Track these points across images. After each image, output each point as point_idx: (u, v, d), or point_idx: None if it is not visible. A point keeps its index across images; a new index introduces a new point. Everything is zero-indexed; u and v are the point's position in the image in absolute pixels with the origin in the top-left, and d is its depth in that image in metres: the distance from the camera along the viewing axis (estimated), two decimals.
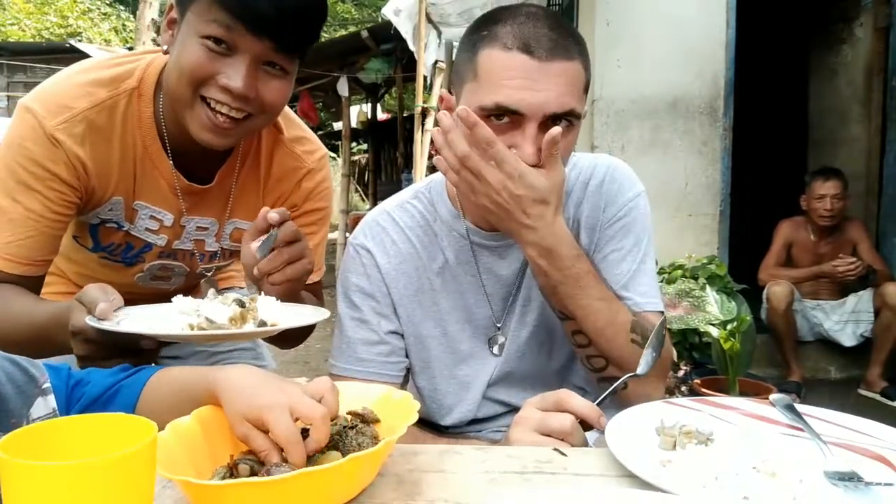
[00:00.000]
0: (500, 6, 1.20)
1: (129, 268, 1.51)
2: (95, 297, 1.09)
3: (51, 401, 0.92)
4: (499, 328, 1.35)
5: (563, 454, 0.96)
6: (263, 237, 1.21)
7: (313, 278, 1.56)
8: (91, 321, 1.05)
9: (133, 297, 1.29)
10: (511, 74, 1.11)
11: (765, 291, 4.27)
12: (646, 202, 1.35)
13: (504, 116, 1.13)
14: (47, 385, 0.92)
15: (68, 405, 0.94)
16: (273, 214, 1.19)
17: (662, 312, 1.30)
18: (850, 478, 0.84)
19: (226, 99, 1.22)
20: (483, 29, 1.16)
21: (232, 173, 1.46)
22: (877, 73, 5.07)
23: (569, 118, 1.14)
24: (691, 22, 4.33)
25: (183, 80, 1.22)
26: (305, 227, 1.53)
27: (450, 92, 1.26)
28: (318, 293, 1.61)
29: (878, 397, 4.11)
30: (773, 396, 1.09)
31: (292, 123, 1.53)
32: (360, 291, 1.35)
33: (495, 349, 1.35)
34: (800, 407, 1.05)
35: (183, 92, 1.23)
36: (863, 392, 4.21)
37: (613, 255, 1.30)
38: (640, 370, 1.10)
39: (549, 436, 1.00)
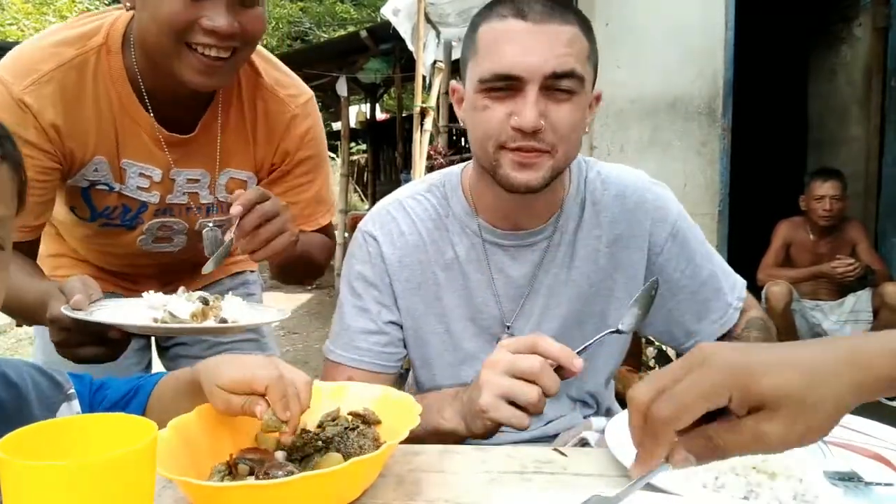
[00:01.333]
0: None
1: (130, 231, 1.52)
2: (74, 289, 1.13)
3: (75, 406, 0.99)
4: (508, 328, 1.33)
5: (563, 454, 0.96)
6: (217, 243, 1.31)
7: (323, 220, 1.63)
8: (66, 310, 1.09)
9: (142, 269, 1.43)
10: (506, 40, 1.12)
11: (763, 291, 4.27)
12: (681, 207, 1.38)
13: (504, 85, 1.12)
14: (72, 391, 1.00)
15: (91, 408, 1.01)
16: (235, 208, 1.21)
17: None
18: (849, 478, 0.84)
19: (213, 41, 1.23)
20: (481, 11, 1.18)
21: (215, 121, 1.45)
22: (876, 73, 5.07)
23: (570, 79, 1.12)
24: (691, 22, 4.33)
25: (164, 32, 1.23)
26: (301, 176, 1.56)
27: (458, 80, 1.27)
28: (329, 233, 1.67)
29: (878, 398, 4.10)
30: None
31: (271, 64, 1.52)
32: (363, 279, 1.34)
33: None
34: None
35: (166, 43, 1.24)
36: None
37: (690, 268, 1.34)
38: (622, 326, 1.09)
39: (520, 378, 0.97)
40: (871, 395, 0.62)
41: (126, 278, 1.66)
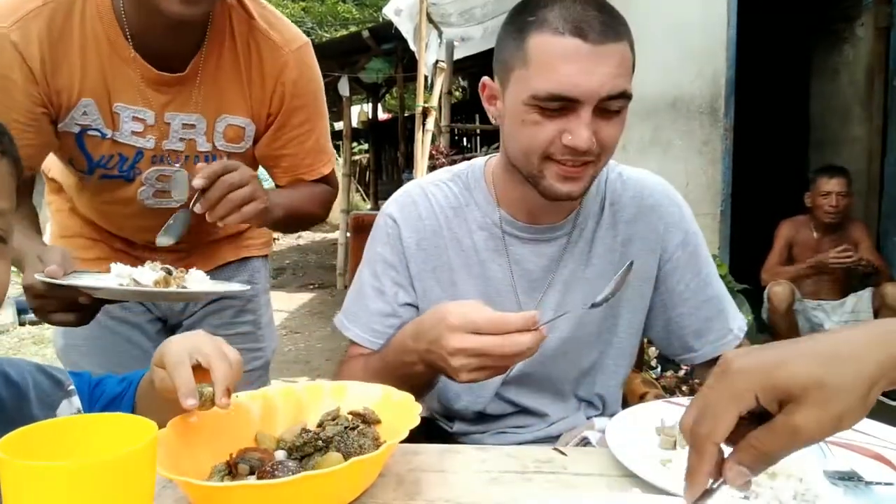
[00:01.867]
0: None
1: (130, 184, 1.51)
2: (51, 259, 1.18)
3: (75, 401, 1.03)
4: None
5: (563, 454, 0.96)
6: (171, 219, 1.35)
7: (325, 169, 1.64)
8: (39, 276, 1.16)
9: (157, 226, 1.38)
10: (563, 60, 1.10)
11: (766, 291, 4.26)
12: (695, 222, 1.40)
13: (558, 105, 1.12)
14: (72, 388, 1.04)
15: (91, 404, 1.05)
16: (197, 181, 1.24)
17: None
18: (849, 477, 0.84)
19: None
20: (529, 14, 1.15)
21: (207, 63, 1.44)
22: (878, 72, 5.06)
23: (622, 99, 1.14)
24: (692, 21, 4.32)
25: None
26: (298, 126, 1.56)
27: (492, 79, 1.26)
28: (331, 181, 1.68)
29: (879, 397, 4.10)
30: None
31: (265, 9, 1.51)
32: (383, 261, 1.36)
33: None
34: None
35: None
36: None
37: (695, 282, 1.35)
38: (596, 300, 1.08)
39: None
40: None
41: (138, 249, 1.66)
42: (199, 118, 1.47)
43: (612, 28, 1.11)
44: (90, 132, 1.41)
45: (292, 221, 1.57)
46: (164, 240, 1.35)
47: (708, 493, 0.65)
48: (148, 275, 1.21)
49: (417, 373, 1.13)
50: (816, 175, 4.39)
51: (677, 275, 1.35)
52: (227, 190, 1.26)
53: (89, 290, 1.20)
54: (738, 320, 1.39)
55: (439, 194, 1.37)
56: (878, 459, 0.91)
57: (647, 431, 1.00)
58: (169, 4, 1.23)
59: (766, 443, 0.62)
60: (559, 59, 1.11)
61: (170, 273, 1.24)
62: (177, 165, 1.51)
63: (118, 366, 1.63)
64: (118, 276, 1.22)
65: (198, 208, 1.27)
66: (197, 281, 1.28)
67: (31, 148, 1.37)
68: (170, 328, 1.76)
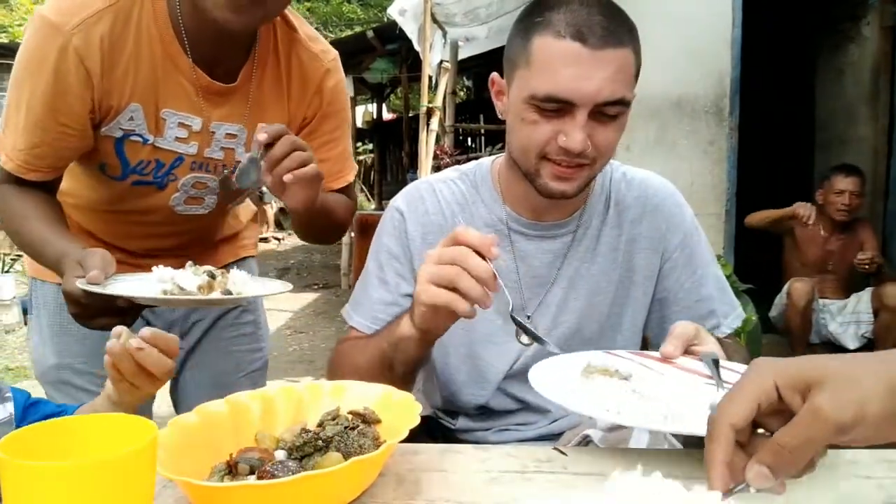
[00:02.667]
0: None
1: (162, 191, 1.51)
2: (93, 264, 1.17)
3: (9, 407, 1.10)
4: (528, 318, 1.35)
5: (563, 454, 0.96)
6: (243, 165, 1.32)
7: (350, 177, 1.67)
8: (81, 283, 1.15)
9: (158, 245, 1.44)
10: (563, 63, 1.13)
11: (785, 287, 4.25)
12: (696, 222, 1.41)
13: (555, 106, 1.15)
14: (9, 395, 1.12)
15: (23, 419, 1.12)
16: (260, 135, 1.24)
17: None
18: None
19: None
20: (537, 15, 1.18)
21: (256, 74, 1.46)
22: (884, 72, 5.06)
23: (618, 105, 1.16)
24: (697, 21, 4.32)
25: None
26: (330, 132, 1.59)
27: (500, 75, 1.28)
28: (351, 194, 1.70)
29: None
30: (702, 352, 1.10)
31: (303, 23, 1.54)
32: (388, 252, 1.39)
33: (524, 338, 1.34)
34: (723, 363, 1.07)
35: None
36: None
37: (689, 282, 1.36)
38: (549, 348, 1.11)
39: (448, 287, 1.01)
40: None
41: (138, 257, 1.64)
42: (241, 128, 1.48)
43: (615, 34, 1.13)
44: (132, 137, 1.40)
45: (324, 217, 1.55)
46: (246, 181, 1.33)
47: (728, 493, 0.66)
48: (191, 279, 1.20)
49: (403, 335, 1.14)
50: (831, 173, 4.38)
51: (675, 275, 1.37)
52: (291, 147, 1.25)
53: (133, 299, 1.18)
54: (728, 319, 1.38)
55: (447, 191, 1.40)
56: None
57: (573, 370, 1.08)
58: (221, 12, 1.23)
59: (788, 434, 0.64)
60: (558, 61, 1.13)
61: (213, 277, 1.23)
62: (218, 174, 1.53)
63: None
64: (160, 281, 1.21)
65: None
66: (241, 282, 1.27)
67: (69, 151, 1.38)
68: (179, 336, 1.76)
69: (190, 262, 1.27)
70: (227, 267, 1.74)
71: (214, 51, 1.38)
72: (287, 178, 1.25)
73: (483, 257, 1.00)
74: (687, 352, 1.11)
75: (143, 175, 1.46)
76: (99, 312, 1.19)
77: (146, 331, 1.05)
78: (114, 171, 1.45)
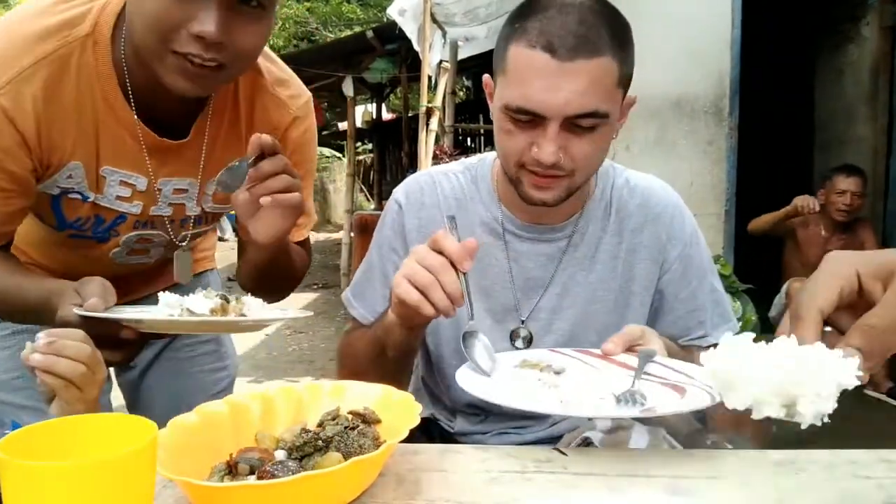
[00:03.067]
0: None
1: (100, 244, 1.38)
2: (91, 292, 1.08)
3: None
4: (523, 322, 1.35)
5: (563, 454, 0.96)
6: (235, 163, 1.18)
7: (307, 232, 1.53)
8: (77, 311, 1.06)
9: (114, 279, 1.22)
10: (532, 75, 1.11)
11: (784, 287, 4.25)
12: (698, 231, 1.40)
13: (526, 118, 1.14)
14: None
15: None
16: (255, 143, 1.13)
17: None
18: (627, 398, 0.97)
19: (198, 49, 1.07)
20: (516, 21, 1.16)
21: (211, 128, 1.32)
22: (883, 72, 5.06)
23: (591, 118, 1.13)
24: (696, 21, 4.32)
25: (149, 32, 1.08)
26: None
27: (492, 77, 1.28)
28: (308, 248, 1.56)
29: (883, 397, 4.10)
30: (640, 349, 1.13)
31: (274, 63, 1.40)
32: (389, 246, 1.40)
33: (518, 342, 1.34)
34: (660, 358, 1.12)
35: (150, 45, 1.09)
36: (869, 392, 4.19)
37: (684, 293, 1.36)
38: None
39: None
40: None
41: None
42: (191, 182, 1.36)
43: (589, 44, 1.10)
44: (71, 195, 1.28)
45: (283, 270, 1.41)
46: (227, 185, 1.19)
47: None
48: (202, 302, 1.12)
49: (390, 321, 1.16)
50: (832, 173, 4.37)
51: (672, 286, 1.36)
52: (282, 168, 1.15)
53: (134, 324, 1.10)
54: (717, 331, 1.36)
55: (447, 184, 1.40)
56: (674, 389, 1.02)
57: (508, 366, 1.14)
58: (178, 84, 1.12)
59: (876, 315, 0.67)
60: (528, 72, 1.12)
61: (226, 300, 1.14)
62: (165, 230, 1.41)
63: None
64: (167, 306, 1.12)
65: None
66: (256, 307, 1.17)
67: (16, 213, 1.25)
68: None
69: (200, 288, 1.18)
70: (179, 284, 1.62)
71: (165, 107, 1.24)
72: (265, 200, 1.14)
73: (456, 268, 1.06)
74: (631, 350, 1.15)
75: (80, 230, 1.35)
76: (98, 344, 1.06)
77: (43, 335, 0.98)
78: (49, 221, 1.34)
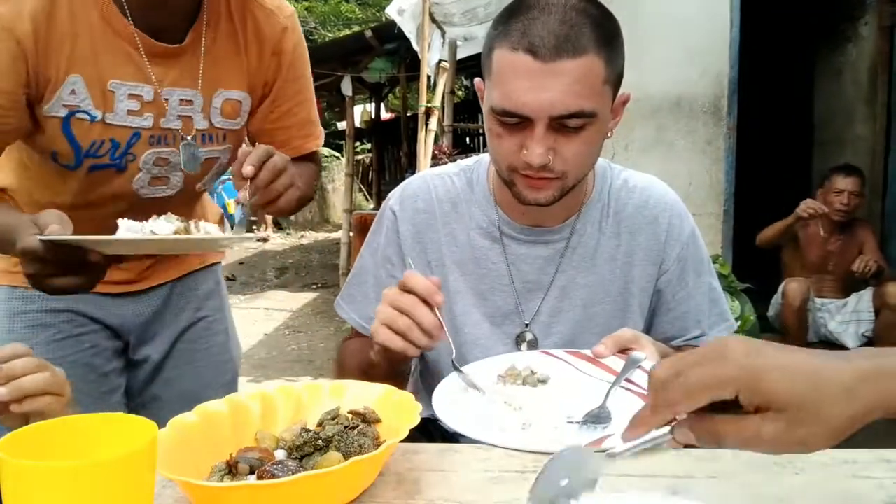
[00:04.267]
0: None
1: (122, 173, 1.41)
2: (49, 220, 1.08)
3: None
4: (527, 325, 1.34)
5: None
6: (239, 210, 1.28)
7: (319, 141, 1.62)
8: (41, 237, 1.06)
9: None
10: (516, 76, 1.11)
11: (781, 287, 4.25)
12: (696, 231, 1.39)
13: (513, 120, 1.14)
14: None
15: None
16: (247, 169, 1.19)
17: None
18: (591, 419, 0.99)
19: None
20: (501, 23, 1.16)
21: (207, 34, 1.38)
22: (882, 71, 5.06)
23: (577, 118, 1.12)
24: (695, 21, 4.32)
25: None
26: (294, 96, 1.53)
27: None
28: (317, 160, 1.65)
29: None
30: (631, 354, 1.13)
31: None
32: (383, 255, 1.39)
33: (524, 346, 1.33)
34: (646, 363, 1.10)
35: None
36: None
37: (681, 294, 1.35)
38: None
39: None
40: None
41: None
42: (195, 94, 1.40)
43: (572, 43, 1.09)
44: (78, 115, 1.31)
45: (296, 205, 1.50)
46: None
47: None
48: (165, 226, 1.14)
49: (377, 358, 1.18)
50: (831, 173, 4.37)
51: (670, 287, 1.35)
52: (275, 174, 1.22)
53: (100, 245, 1.10)
54: (714, 331, 1.37)
55: (441, 187, 1.38)
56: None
57: (491, 376, 1.16)
58: None
59: (727, 431, 0.64)
60: (511, 75, 1.12)
61: (187, 225, 1.18)
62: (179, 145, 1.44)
63: (81, 389, 1.47)
64: (129, 230, 1.14)
65: (243, 194, 1.23)
66: (214, 232, 1.22)
67: (7, 134, 1.29)
68: (132, 347, 1.63)
69: (169, 213, 1.21)
70: (192, 274, 1.67)
71: (157, 13, 1.30)
72: (270, 209, 1.27)
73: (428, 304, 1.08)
74: (623, 352, 1.15)
75: (98, 158, 1.37)
76: (60, 270, 1.09)
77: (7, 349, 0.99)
78: (66, 158, 1.36)
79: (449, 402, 1.07)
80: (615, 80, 1.17)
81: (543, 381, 1.13)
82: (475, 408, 1.08)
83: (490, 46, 1.17)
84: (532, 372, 1.15)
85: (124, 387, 1.62)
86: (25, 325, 1.49)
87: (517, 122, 1.14)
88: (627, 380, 1.08)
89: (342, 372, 1.39)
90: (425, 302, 1.07)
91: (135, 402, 1.66)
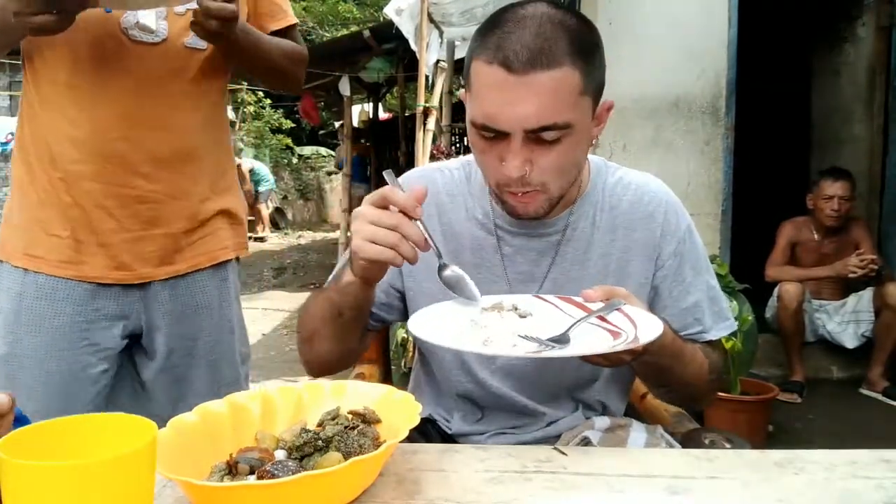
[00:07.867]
0: (504, 5, 1.18)
1: (109, 14, 1.47)
2: None
3: None
4: (523, 318, 1.34)
5: (563, 453, 0.96)
6: None
7: (283, 22, 1.70)
8: None
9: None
10: (490, 91, 1.11)
11: (776, 290, 4.25)
12: (692, 226, 1.39)
13: (490, 134, 1.14)
14: None
15: None
16: None
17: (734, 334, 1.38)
18: (548, 341, 1.02)
19: None
20: (479, 36, 1.15)
21: None
22: (879, 72, 5.07)
23: (553, 130, 1.11)
24: (693, 21, 4.32)
25: None
26: None
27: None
28: (297, 39, 1.73)
29: (879, 397, 4.11)
30: (613, 299, 1.12)
31: None
32: None
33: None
34: (628, 308, 1.10)
35: None
36: (865, 392, 4.21)
37: (678, 290, 1.35)
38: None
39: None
40: None
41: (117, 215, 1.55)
42: None
43: (546, 55, 1.08)
44: None
45: (259, 62, 1.59)
46: None
47: None
48: None
49: (347, 281, 1.19)
50: (820, 177, 4.38)
51: (667, 282, 1.35)
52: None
53: None
54: (714, 330, 1.37)
55: (440, 180, 1.39)
56: (612, 333, 1.05)
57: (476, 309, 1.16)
58: None
59: None
60: (485, 88, 1.11)
61: None
62: None
63: (66, 384, 1.53)
64: None
65: None
66: None
67: None
68: (139, 339, 1.65)
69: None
70: (202, 271, 1.67)
71: None
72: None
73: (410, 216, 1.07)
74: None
75: None
76: (44, 4, 1.23)
77: None
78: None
79: (424, 319, 1.11)
80: (595, 90, 1.17)
81: (523, 317, 1.15)
82: (446, 324, 1.10)
83: (469, 59, 1.17)
84: (515, 307, 1.17)
85: (127, 378, 1.65)
86: (32, 313, 1.53)
87: (494, 135, 1.13)
88: (601, 318, 1.09)
89: (300, 325, 1.37)
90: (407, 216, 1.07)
91: (141, 395, 1.67)
